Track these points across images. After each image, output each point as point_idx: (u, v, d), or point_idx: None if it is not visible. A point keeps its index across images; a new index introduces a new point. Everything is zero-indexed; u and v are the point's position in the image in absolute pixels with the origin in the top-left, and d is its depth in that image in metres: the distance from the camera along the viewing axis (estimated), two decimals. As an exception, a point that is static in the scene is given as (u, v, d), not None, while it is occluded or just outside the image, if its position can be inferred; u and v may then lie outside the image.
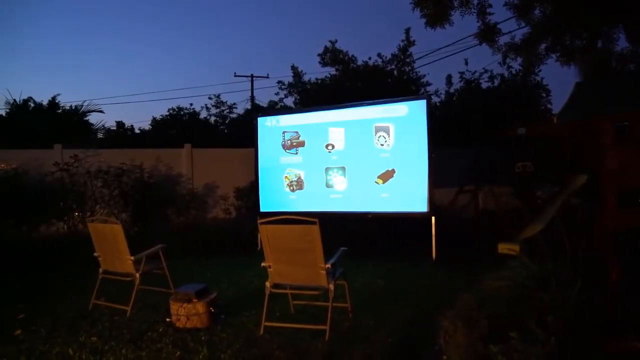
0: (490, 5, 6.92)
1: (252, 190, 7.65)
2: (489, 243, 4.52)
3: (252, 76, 22.60)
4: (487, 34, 7.17)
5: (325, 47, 11.77)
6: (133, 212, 7.43)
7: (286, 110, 10.70)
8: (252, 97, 21.26)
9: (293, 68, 12.36)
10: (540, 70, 11.37)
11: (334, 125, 6.56)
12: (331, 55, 11.70)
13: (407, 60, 11.51)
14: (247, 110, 16.70)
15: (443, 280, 5.05)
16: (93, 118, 21.35)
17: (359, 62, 11.61)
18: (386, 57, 11.57)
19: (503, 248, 4.32)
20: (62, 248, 6.16)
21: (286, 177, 6.84)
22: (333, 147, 6.54)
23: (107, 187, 7.41)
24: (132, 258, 3.90)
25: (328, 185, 6.57)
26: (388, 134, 6.21)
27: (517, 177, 6.68)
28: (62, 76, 58.86)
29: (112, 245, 3.99)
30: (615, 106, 6.84)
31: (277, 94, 21.28)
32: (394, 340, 3.23)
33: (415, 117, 6.05)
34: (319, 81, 11.99)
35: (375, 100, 6.47)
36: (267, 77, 22.99)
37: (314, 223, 3.20)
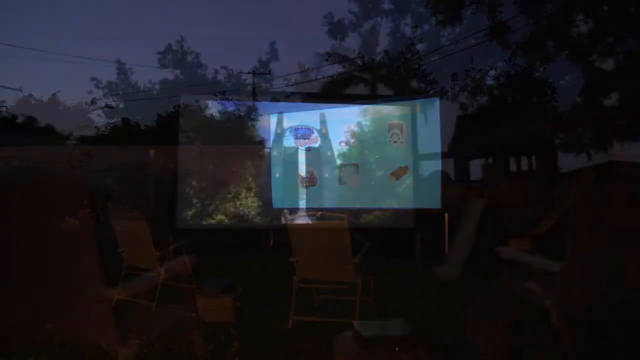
0: (502, 4, 6.96)
1: (264, 187, 7.68)
2: (498, 240, 4.60)
3: (254, 73, 22.58)
4: (498, 31, 7.21)
5: (332, 44, 11.84)
6: (145, 208, 7.45)
7: (299, 107, 10.71)
8: (254, 95, 21.24)
9: (299, 65, 12.40)
10: (545, 68, 11.40)
11: (347, 122, 6.60)
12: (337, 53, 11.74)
13: (414, 57, 11.53)
14: (249, 107, 16.66)
15: (457, 275, 5.11)
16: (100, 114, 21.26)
17: (366, 60, 11.64)
18: (392, 55, 11.61)
19: (514, 244, 4.41)
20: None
21: (298, 173, 6.89)
22: (346, 143, 6.59)
23: (119, 184, 7.43)
24: (158, 254, 3.94)
25: (341, 182, 6.62)
26: (401, 131, 6.26)
27: (523, 174, 6.77)
28: (63, 76, 58.45)
29: (137, 241, 4.03)
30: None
31: (282, 91, 21.32)
32: (419, 333, 3.29)
33: (428, 115, 6.11)
34: (326, 78, 12.04)
35: (389, 98, 6.53)
36: (269, 74, 23.01)
37: (342, 219, 3.25)
